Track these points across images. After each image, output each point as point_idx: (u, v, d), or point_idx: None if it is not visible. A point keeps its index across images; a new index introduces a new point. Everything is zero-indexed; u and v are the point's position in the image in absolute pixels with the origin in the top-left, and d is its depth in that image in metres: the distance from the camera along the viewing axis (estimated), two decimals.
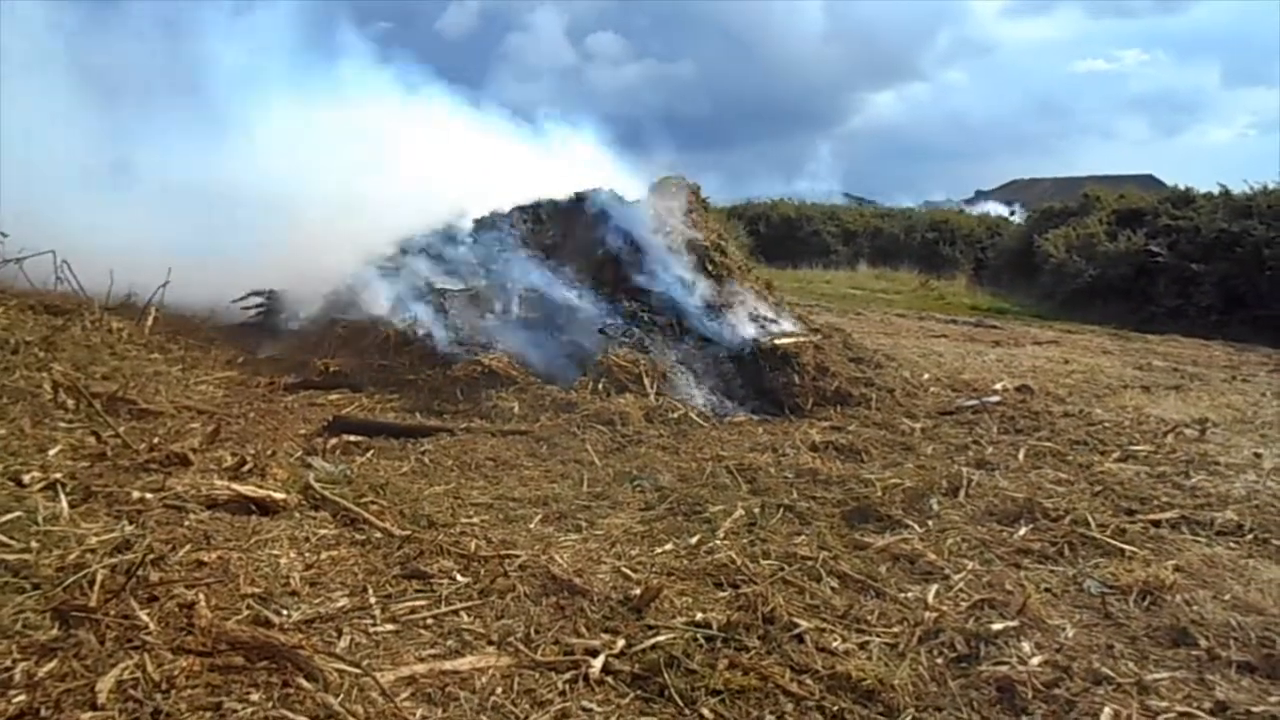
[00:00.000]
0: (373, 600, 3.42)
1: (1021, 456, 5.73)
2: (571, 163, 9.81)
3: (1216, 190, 18.42)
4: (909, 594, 3.72)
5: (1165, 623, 3.49)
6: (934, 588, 3.76)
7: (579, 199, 8.88)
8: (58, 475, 4.11)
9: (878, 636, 3.34)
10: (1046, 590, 3.81)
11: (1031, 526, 4.50)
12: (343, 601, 3.40)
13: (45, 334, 6.06)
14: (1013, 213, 36.43)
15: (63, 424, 4.89)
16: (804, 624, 3.36)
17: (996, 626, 3.37)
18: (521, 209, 8.85)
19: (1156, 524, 4.61)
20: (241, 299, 8.82)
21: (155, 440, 4.87)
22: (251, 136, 9.69)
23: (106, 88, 10.10)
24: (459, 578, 3.66)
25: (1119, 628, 3.50)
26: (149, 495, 4.12)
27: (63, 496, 3.92)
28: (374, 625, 3.24)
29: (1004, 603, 3.61)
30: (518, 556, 3.85)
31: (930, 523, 4.56)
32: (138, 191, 8.91)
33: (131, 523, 3.82)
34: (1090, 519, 4.51)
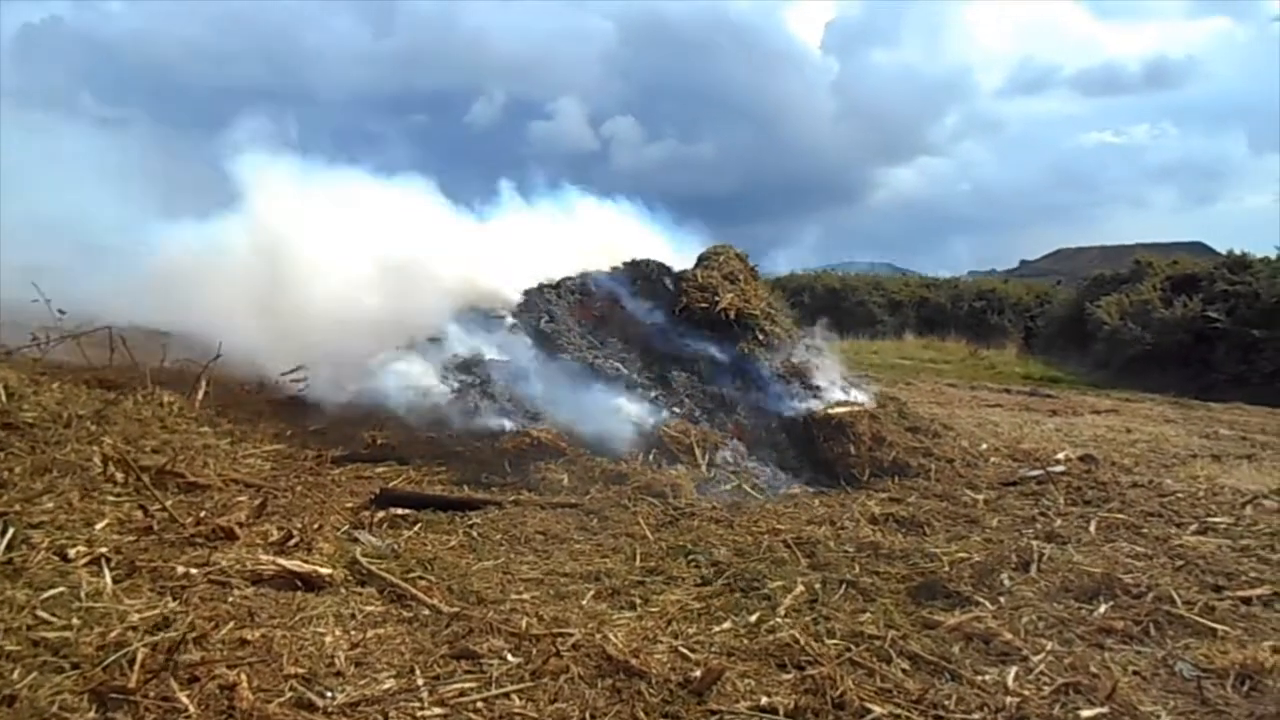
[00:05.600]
0: (420, 682, 3.28)
1: (1093, 529, 5.47)
2: (615, 236, 9.80)
3: (1273, 255, 18.15)
4: (986, 676, 3.50)
5: (1271, 710, 3.25)
6: (1013, 670, 3.53)
7: (626, 271, 8.85)
8: (103, 550, 4.04)
9: None
10: (1135, 673, 3.57)
11: (1112, 604, 4.24)
12: (389, 683, 3.25)
13: (98, 408, 6.05)
14: (1059, 282, 36.09)
15: (111, 497, 4.84)
16: (877, 709, 3.15)
17: (1086, 714, 3.15)
18: (569, 281, 8.82)
19: (1247, 601, 4.33)
20: (289, 372, 8.82)
21: (202, 514, 4.81)
22: (300, 218, 9.80)
23: (158, 171, 10.28)
24: (510, 658, 3.50)
25: (1219, 715, 3.25)
26: (193, 570, 4.03)
27: (107, 572, 3.84)
28: (422, 709, 3.10)
29: (1090, 687, 3.38)
30: (571, 635, 3.68)
31: (1002, 599, 4.33)
32: (187, 267, 9.01)
33: (175, 599, 3.73)
34: (1175, 596, 4.25)
